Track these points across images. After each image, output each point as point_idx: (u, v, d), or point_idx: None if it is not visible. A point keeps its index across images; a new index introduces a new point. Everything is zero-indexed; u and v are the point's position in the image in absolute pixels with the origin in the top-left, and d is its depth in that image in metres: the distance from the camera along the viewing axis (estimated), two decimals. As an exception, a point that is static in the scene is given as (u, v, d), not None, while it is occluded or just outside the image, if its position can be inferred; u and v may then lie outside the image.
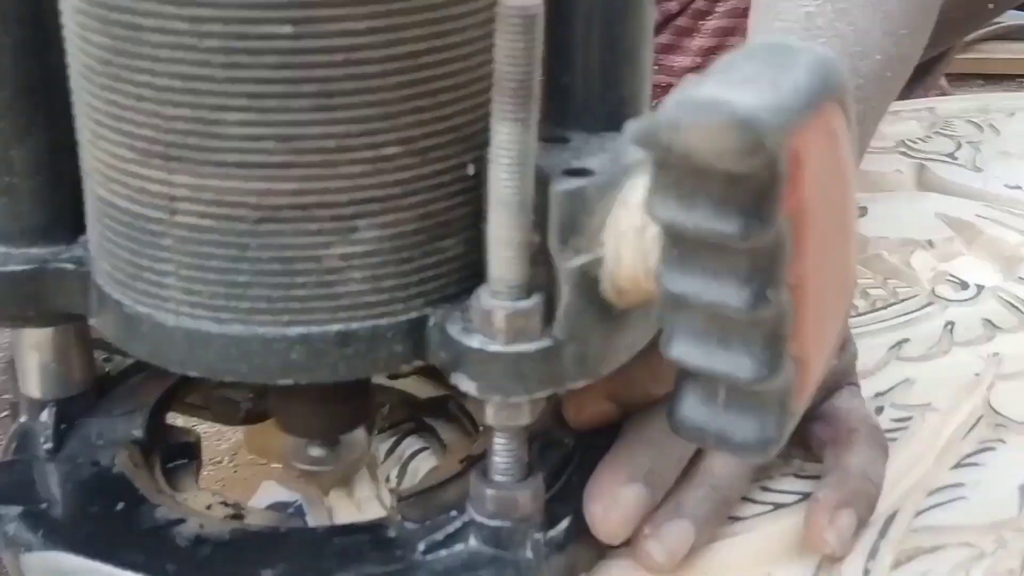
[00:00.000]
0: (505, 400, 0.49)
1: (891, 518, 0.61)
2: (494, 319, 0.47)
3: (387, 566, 0.52)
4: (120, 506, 0.56)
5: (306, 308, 0.48)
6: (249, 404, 0.68)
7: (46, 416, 0.60)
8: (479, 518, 0.53)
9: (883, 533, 0.60)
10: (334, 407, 0.58)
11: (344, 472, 0.63)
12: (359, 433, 0.64)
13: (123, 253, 0.50)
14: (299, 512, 0.64)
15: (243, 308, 0.48)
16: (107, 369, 0.65)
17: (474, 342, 0.48)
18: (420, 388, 0.69)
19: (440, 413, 0.68)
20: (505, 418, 0.50)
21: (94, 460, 0.59)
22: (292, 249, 0.48)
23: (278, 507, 0.64)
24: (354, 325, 0.49)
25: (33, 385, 0.60)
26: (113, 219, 0.50)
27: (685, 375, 0.47)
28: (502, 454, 0.52)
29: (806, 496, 0.60)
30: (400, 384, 0.69)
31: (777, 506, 0.60)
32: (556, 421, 0.59)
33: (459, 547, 0.53)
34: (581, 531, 0.55)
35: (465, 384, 0.48)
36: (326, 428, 0.61)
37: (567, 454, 0.58)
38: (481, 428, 0.62)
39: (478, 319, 0.48)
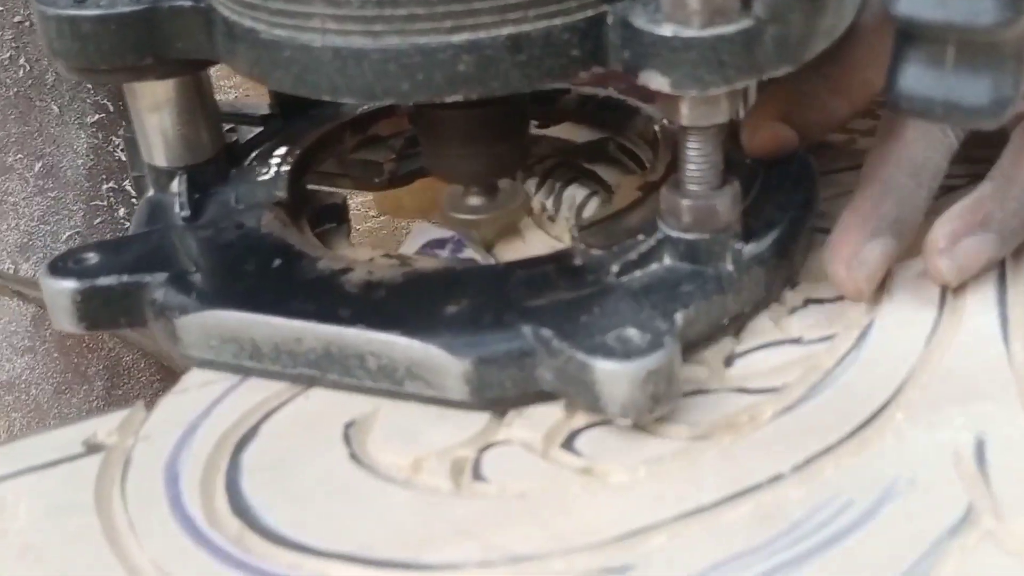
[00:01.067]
0: (703, 93, 0.45)
1: None
2: (689, 1, 0.43)
3: (579, 291, 0.49)
4: (277, 262, 0.53)
5: (471, 11, 0.45)
6: (393, 164, 0.66)
7: (176, 185, 0.58)
8: (674, 233, 0.50)
9: None
10: (491, 147, 0.56)
11: (506, 220, 0.61)
12: (518, 182, 0.62)
13: None
14: (458, 247, 0.61)
15: (399, 16, 0.45)
16: (234, 139, 0.63)
17: (666, 31, 0.44)
18: (576, 134, 0.67)
19: (600, 157, 0.65)
20: (701, 115, 0.47)
21: (238, 223, 0.56)
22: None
23: (434, 244, 0.61)
24: (526, 27, 0.45)
25: (158, 153, 0.58)
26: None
27: (907, 41, 0.44)
28: (696, 160, 0.49)
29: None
30: (554, 132, 0.67)
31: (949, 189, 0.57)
32: (733, 143, 0.55)
33: (654, 266, 0.51)
34: (781, 247, 0.52)
35: (657, 81, 0.45)
36: (483, 171, 0.59)
37: (750, 172, 0.55)
38: (649, 164, 0.61)
39: (668, 4, 0.44)
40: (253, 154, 0.62)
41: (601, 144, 0.66)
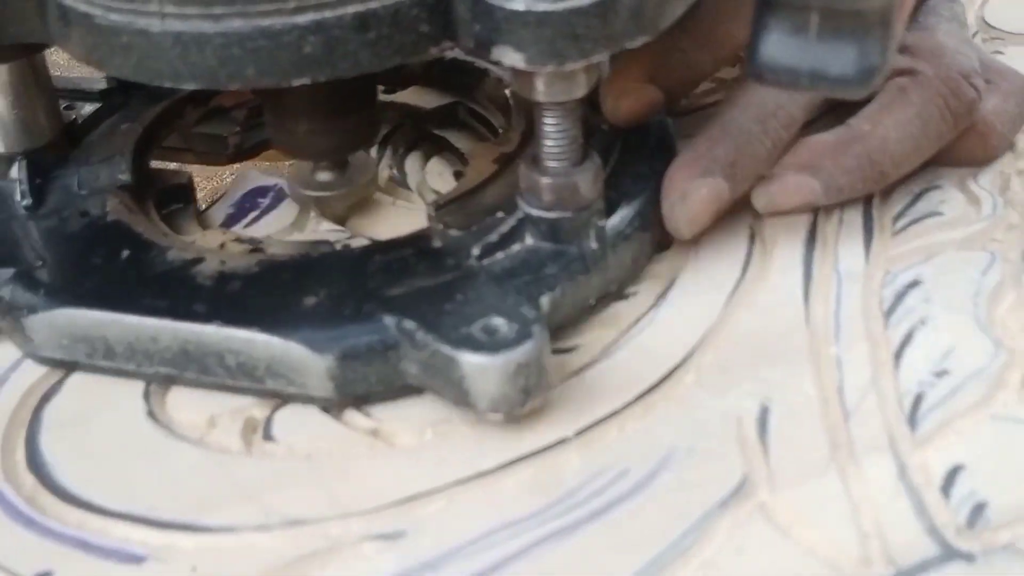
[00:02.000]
0: (559, 68, 0.44)
1: None
2: None
3: (440, 276, 0.48)
4: (125, 253, 0.52)
5: None
6: (237, 138, 0.64)
7: (16, 171, 0.56)
8: (535, 212, 0.49)
9: None
10: (340, 122, 0.54)
11: (358, 195, 0.60)
12: (368, 154, 0.61)
13: None
14: (278, 196, 0.60)
15: None
16: (73, 117, 0.61)
17: (518, 4, 0.43)
18: (424, 99, 0.66)
19: (450, 122, 0.65)
20: (558, 91, 0.46)
21: (82, 211, 0.55)
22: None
23: (256, 193, 0.61)
24: (372, 4, 0.44)
25: None
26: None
27: (768, 9, 0.43)
28: (555, 136, 0.48)
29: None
30: (401, 97, 0.66)
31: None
32: (591, 108, 0.53)
33: (516, 246, 0.50)
34: (644, 220, 0.52)
35: (510, 57, 0.44)
36: (333, 147, 0.57)
37: (608, 140, 0.54)
38: (502, 130, 0.60)
39: None
40: (93, 133, 0.60)
41: (450, 109, 0.65)
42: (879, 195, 0.56)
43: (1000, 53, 0.68)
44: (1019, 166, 0.58)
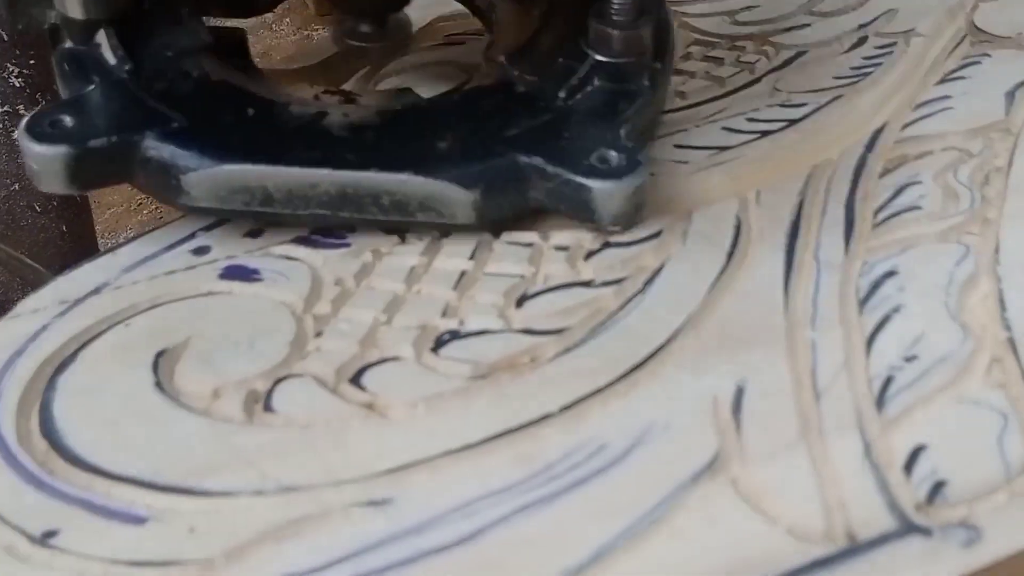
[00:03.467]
0: None
1: (878, 132, 0.63)
2: None
3: (540, 117, 0.56)
4: (251, 111, 0.56)
5: None
6: None
7: (103, 37, 0.57)
8: (604, 58, 0.58)
9: (870, 147, 0.62)
10: None
11: (393, 49, 0.67)
12: (403, 15, 0.66)
13: None
14: None
15: None
16: None
17: None
18: None
19: None
20: None
21: (184, 72, 0.58)
22: None
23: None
24: None
25: (75, 4, 0.57)
26: None
27: None
28: None
29: (792, 123, 0.62)
30: None
31: (764, 133, 0.62)
32: None
33: (589, 88, 0.57)
34: (670, 61, 0.61)
35: None
36: (377, 4, 0.64)
37: None
38: None
39: None
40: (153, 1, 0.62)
41: None
42: (862, 188, 0.59)
43: (987, 56, 0.69)
44: (997, 163, 0.60)
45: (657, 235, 0.56)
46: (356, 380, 0.49)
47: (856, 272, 0.54)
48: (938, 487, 0.44)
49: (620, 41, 0.58)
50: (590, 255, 0.55)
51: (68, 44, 0.58)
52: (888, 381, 0.48)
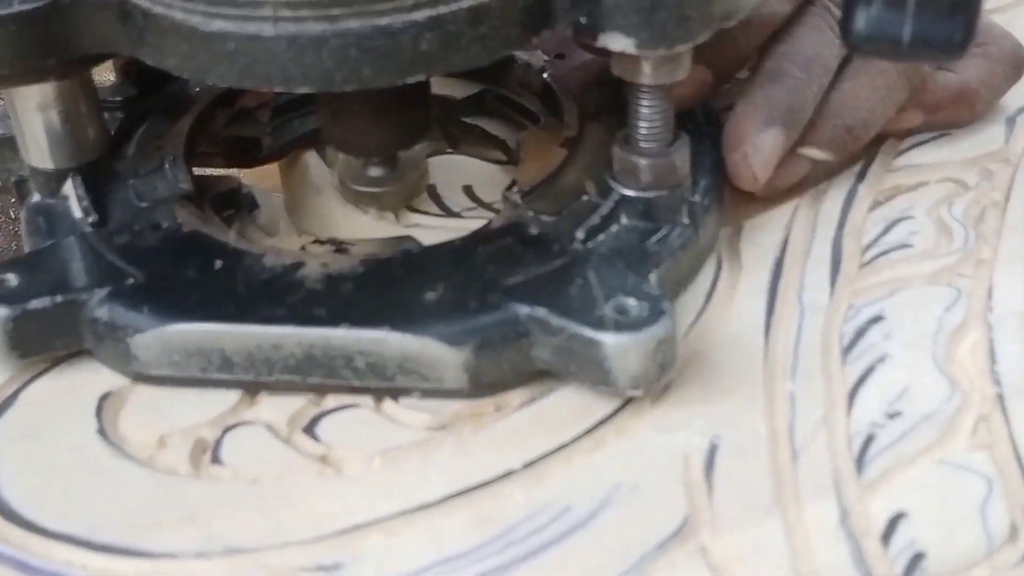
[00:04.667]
0: (670, 52, 0.46)
1: (870, 159, 0.61)
2: None
3: (552, 262, 0.49)
4: (218, 264, 0.51)
5: None
6: (270, 138, 0.64)
7: (71, 188, 0.54)
8: (632, 192, 0.51)
9: (861, 176, 0.60)
10: (395, 118, 0.55)
11: (409, 191, 0.60)
12: (418, 149, 0.60)
13: None
14: (253, 201, 0.59)
15: None
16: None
17: None
18: (451, 88, 0.65)
19: (479, 110, 0.65)
20: (665, 74, 0.48)
21: (153, 224, 0.53)
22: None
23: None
24: None
25: (43, 155, 0.54)
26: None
27: None
28: (652, 117, 0.50)
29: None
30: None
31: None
32: None
33: (614, 227, 0.51)
34: (719, 190, 0.54)
35: (619, 43, 0.45)
36: (387, 143, 0.57)
37: None
38: (541, 115, 0.62)
39: None
40: (128, 144, 0.59)
41: (479, 98, 0.65)
42: (851, 223, 0.56)
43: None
44: (994, 197, 0.58)
45: None
46: (310, 429, 0.47)
47: (841, 316, 0.52)
48: (916, 560, 0.42)
49: (649, 171, 0.51)
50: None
51: (36, 197, 0.55)
52: (869, 440, 0.46)
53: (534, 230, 0.51)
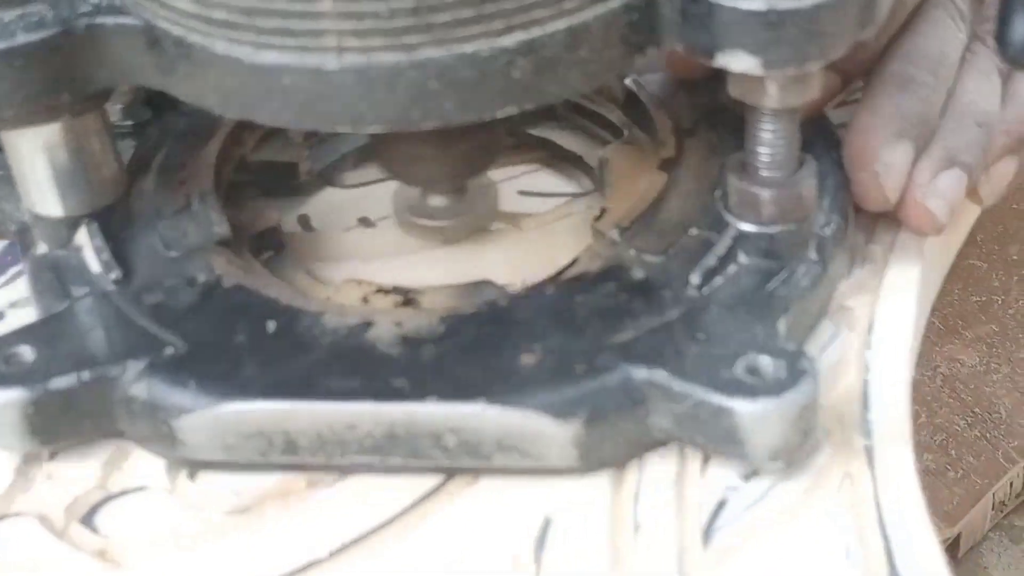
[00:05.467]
0: (800, 70, 0.42)
1: None
2: None
3: (665, 313, 0.46)
4: (271, 326, 0.47)
5: (525, 8, 0.40)
6: (308, 163, 0.59)
7: (84, 237, 0.50)
8: (751, 227, 0.47)
9: None
10: (461, 144, 0.50)
11: (476, 223, 0.56)
12: (486, 180, 0.56)
13: None
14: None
15: (440, 23, 0.40)
16: None
17: (757, 4, 0.40)
18: None
19: (549, 120, 0.60)
20: (793, 95, 0.44)
21: (188, 278, 0.49)
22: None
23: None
24: (585, 16, 0.41)
25: (51, 201, 0.49)
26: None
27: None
28: (775, 144, 0.46)
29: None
30: None
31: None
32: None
33: (732, 268, 0.47)
34: (847, 221, 0.50)
35: (742, 62, 0.42)
36: (454, 172, 0.53)
37: None
38: (626, 131, 0.57)
39: None
40: (145, 179, 0.54)
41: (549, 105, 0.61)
42: None
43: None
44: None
45: None
46: (89, 520, 0.43)
47: None
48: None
49: (773, 203, 0.47)
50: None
51: (42, 249, 0.50)
52: (721, 505, 0.43)
53: (639, 274, 0.48)
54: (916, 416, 0.94)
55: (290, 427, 0.44)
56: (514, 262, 0.54)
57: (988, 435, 0.98)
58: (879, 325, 0.48)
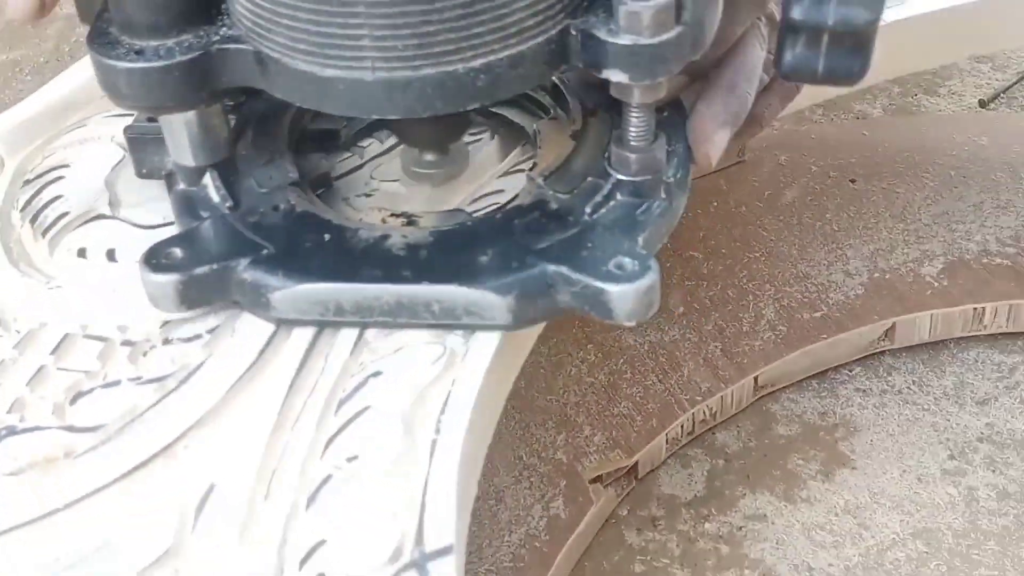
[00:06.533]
0: (653, 82, 0.60)
1: None
2: (643, 18, 0.57)
3: (568, 230, 0.64)
4: (327, 236, 0.64)
5: (485, 43, 0.57)
6: (347, 130, 0.77)
7: (208, 179, 0.66)
8: (625, 177, 0.66)
9: None
10: (446, 118, 0.64)
11: (453, 172, 0.74)
12: (462, 144, 0.74)
13: (311, 27, 0.57)
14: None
15: (434, 53, 0.57)
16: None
17: (625, 40, 0.58)
18: None
19: (504, 103, 0.78)
20: (649, 96, 0.62)
21: (274, 206, 0.66)
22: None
23: None
24: (523, 47, 0.58)
25: (188, 155, 0.66)
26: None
27: (792, 32, 0.61)
28: (639, 125, 0.64)
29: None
30: None
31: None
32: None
33: (612, 203, 0.65)
34: (686, 171, 0.68)
35: (617, 76, 0.59)
36: (440, 137, 0.72)
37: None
38: (552, 110, 0.75)
39: (625, 21, 0.57)
40: (241, 141, 0.71)
41: None
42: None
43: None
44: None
45: (212, 331, 0.64)
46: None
47: (351, 372, 0.62)
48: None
49: (637, 162, 0.65)
50: (151, 351, 0.62)
51: (181, 186, 0.67)
52: (326, 480, 0.56)
53: (554, 206, 0.66)
54: (622, 372, 1.18)
55: (340, 299, 0.62)
56: (475, 194, 0.72)
57: (670, 388, 1.17)
58: (473, 347, 0.63)
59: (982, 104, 1.63)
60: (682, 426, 1.16)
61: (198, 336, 0.63)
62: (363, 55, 0.58)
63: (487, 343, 0.64)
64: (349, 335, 0.64)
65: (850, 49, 0.61)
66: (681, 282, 1.26)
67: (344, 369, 0.63)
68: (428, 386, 0.61)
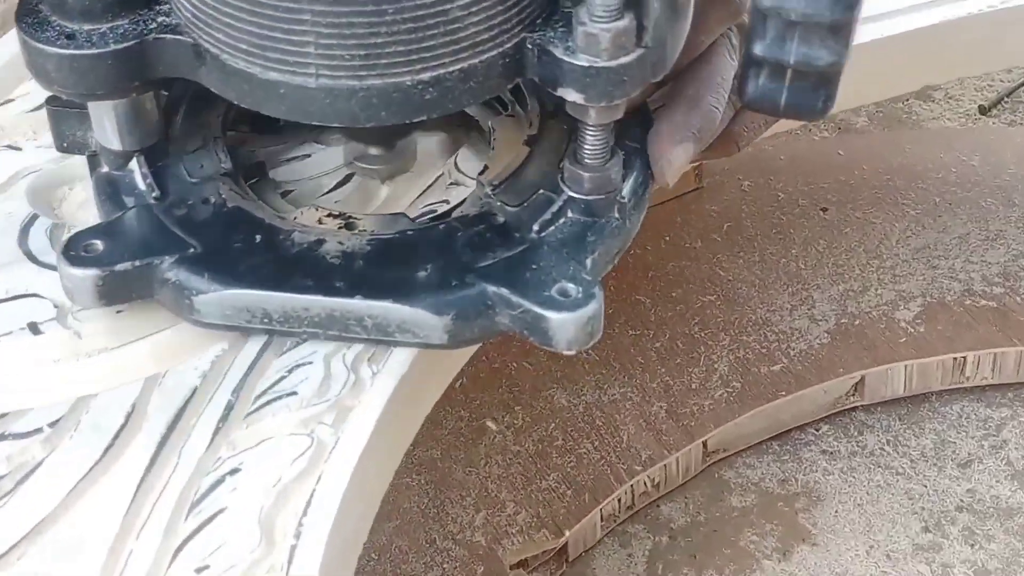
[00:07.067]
0: (609, 104, 0.58)
1: None
2: (600, 40, 0.56)
3: (513, 248, 0.62)
4: (258, 238, 0.62)
5: (435, 56, 0.56)
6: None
7: (135, 165, 0.64)
8: (577, 195, 0.64)
9: None
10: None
11: (400, 167, 0.72)
12: (411, 138, 0.72)
13: (254, 28, 0.55)
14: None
15: (381, 64, 0.55)
16: None
17: (581, 60, 0.56)
18: None
19: None
20: (604, 117, 0.61)
21: (204, 198, 0.64)
22: (424, 8, 0.55)
23: None
24: (474, 61, 0.57)
25: (116, 139, 0.63)
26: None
27: (755, 65, 0.60)
28: (595, 144, 0.62)
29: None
30: None
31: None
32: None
33: (562, 220, 0.63)
34: (643, 191, 0.66)
35: (573, 96, 0.58)
36: (386, 133, 0.69)
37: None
38: (510, 106, 0.73)
39: (583, 41, 0.56)
40: (176, 124, 0.68)
41: None
42: (260, 366, 0.63)
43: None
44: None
45: (54, 424, 0.59)
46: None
47: (206, 469, 0.58)
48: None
49: (591, 181, 0.63)
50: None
51: (105, 169, 0.65)
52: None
53: (501, 219, 0.64)
54: (553, 439, 1.09)
55: (267, 307, 0.60)
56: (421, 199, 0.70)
57: (607, 456, 1.08)
58: (344, 438, 0.60)
59: (983, 111, 1.50)
60: (620, 500, 1.07)
61: (38, 430, 0.58)
62: (307, 61, 0.56)
63: (362, 428, 0.61)
64: (209, 423, 0.60)
65: (814, 85, 0.60)
66: (624, 331, 1.17)
67: (199, 466, 0.58)
68: (291, 483, 0.58)
